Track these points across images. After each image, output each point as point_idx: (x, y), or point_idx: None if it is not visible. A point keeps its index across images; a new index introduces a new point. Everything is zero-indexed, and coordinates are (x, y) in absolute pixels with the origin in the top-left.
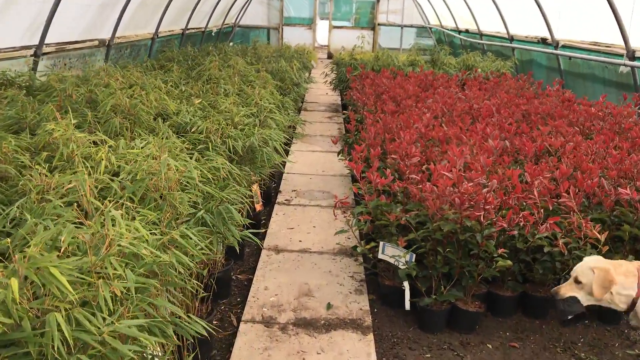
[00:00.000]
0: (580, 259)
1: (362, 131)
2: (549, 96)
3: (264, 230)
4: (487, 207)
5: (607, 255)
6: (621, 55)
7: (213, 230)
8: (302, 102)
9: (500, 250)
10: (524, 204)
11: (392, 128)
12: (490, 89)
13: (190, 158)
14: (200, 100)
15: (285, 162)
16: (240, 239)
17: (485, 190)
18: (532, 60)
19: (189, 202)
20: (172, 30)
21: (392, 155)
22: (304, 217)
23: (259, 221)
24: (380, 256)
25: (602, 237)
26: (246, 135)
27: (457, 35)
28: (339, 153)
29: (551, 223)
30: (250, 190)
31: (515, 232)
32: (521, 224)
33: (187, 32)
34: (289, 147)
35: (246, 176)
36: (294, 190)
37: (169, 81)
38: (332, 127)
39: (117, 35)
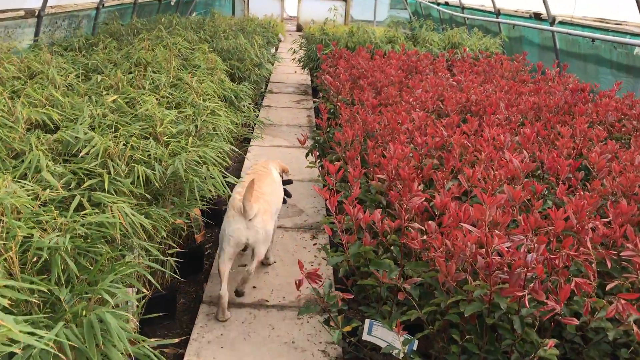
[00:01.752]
0: None
1: (336, 129)
2: (552, 82)
3: (207, 266)
4: (529, 274)
5: None
6: (638, 35)
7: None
8: (267, 83)
9: (550, 344)
10: (572, 259)
11: (374, 129)
12: (482, 73)
13: (66, 209)
14: (115, 97)
15: (244, 156)
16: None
17: (530, 257)
18: (521, 37)
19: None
20: None
21: (379, 176)
22: None
23: (200, 256)
24: (365, 337)
25: None
26: (172, 153)
27: (436, 7)
28: (307, 154)
29: (625, 303)
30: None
31: (577, 322)
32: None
33: (140, 0)
34: (248, 143)
35: (162, 223)
36: None
37: (90, 66)
38: (301, 114)
39: (50, 4)
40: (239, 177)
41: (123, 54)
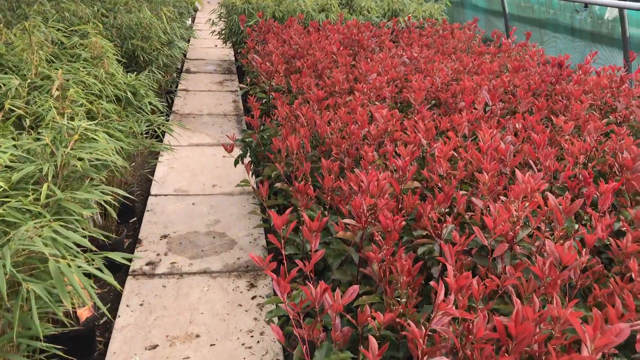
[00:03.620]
0: None
1: (272, 128)
2: (516, 55)
3: (102, 347)
4: None
5: None
6: None
7: None
8: (183, 62)
9: None
10: None
11: (324, 134)
12: (434, 45)
13: None
14: None
15: (156, 166)
16: None
17: None
18: (462, 1)
19: None
20: None
21: (347, 221)
22: (179, 310)
23: (87, 337)
24: None
25: None
26: (6, 225)
27: None
28: (236, 161)
29: None
30: None
31: None
32: None
33: None
34: (162, 141)
35: None
36: (165, 237)
37: None
38: (225, 99)
39: None
40: (140, 221)
41: None
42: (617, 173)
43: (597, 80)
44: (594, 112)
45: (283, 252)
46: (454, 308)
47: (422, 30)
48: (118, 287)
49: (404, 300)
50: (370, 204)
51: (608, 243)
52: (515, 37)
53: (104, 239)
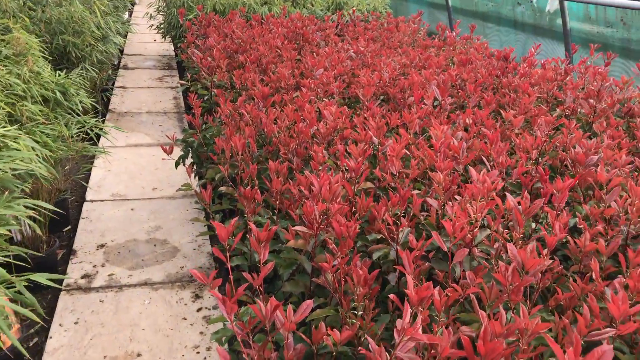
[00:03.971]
0: None
1: (215, 127)
2: (461, 48)
3: None
4: None
5: None
6: None
7: None
8: (120, 57)
9: None
10: None
11: (271, 133)
12: (379, 39)
13: None
14: None
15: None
16: None
17: None
18: None
19: None
20: None
21: (299, 229)
22: (118, 327)
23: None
24: None
25: None
26: None
27: None
28: (177, 163)
29: None
30: None
31: None
32: None
33: None
34: (96, 143)
35: None
36: (102, 246)
37: None
38: (165, 95)
39: None
40: (75, 229)
41: None
42: (568, 167)
43: (543, 73)
44: (542, 105)
45: (229, 265)
46: (420, 331)
47: (367, 23)
48: (37, 319)
49: (360, 312)
50: (322, 209)
51: (565, 241)
52: (460, 30)
53: (27, 263)
